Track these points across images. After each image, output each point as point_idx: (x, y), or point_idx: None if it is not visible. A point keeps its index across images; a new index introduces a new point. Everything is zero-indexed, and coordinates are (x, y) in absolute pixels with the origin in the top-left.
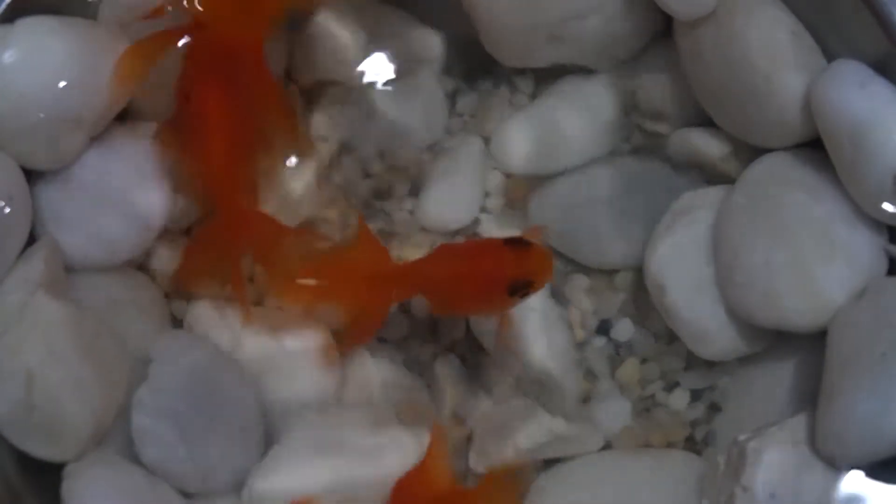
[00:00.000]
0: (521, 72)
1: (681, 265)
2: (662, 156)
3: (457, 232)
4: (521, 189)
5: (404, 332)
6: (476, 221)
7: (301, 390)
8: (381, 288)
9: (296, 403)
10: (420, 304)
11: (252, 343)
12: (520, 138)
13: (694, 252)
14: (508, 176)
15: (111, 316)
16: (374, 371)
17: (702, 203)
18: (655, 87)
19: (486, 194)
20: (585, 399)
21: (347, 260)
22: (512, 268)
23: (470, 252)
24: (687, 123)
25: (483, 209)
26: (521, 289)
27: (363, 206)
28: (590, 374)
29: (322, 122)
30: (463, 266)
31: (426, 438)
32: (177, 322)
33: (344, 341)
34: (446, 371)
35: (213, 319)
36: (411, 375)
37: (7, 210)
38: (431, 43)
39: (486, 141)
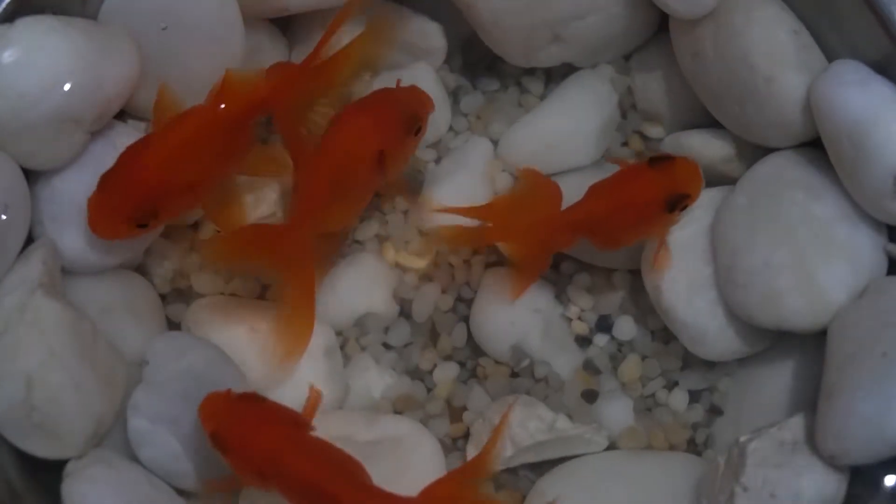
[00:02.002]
0: (531, 72)
1: (678, 266)
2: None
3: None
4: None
5: (406, 338)
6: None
7: (304, 399)
8: (548, 233)
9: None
10: (420, 308)
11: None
12: (529, 139)
13: (692, 252)
14: (517, 177)
15: (107, 318)
16: (375, 378)
17: (700, 203)
18: (652, 87)
19: (494, 194)
20: (590, 397)
21: (517, 207)
22: (665, 185)
23: (620, 183)
24: (683, 126)
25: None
26: (678, 202)
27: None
28: (592, 371)
29: (321, 121)
30: (619, 197)
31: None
32: (173, 325)
33: (513, 285)
34: (446, 375)
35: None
36: (412, 382)
37: (6, 211)
38: (432, 33)
39: (494, 143)
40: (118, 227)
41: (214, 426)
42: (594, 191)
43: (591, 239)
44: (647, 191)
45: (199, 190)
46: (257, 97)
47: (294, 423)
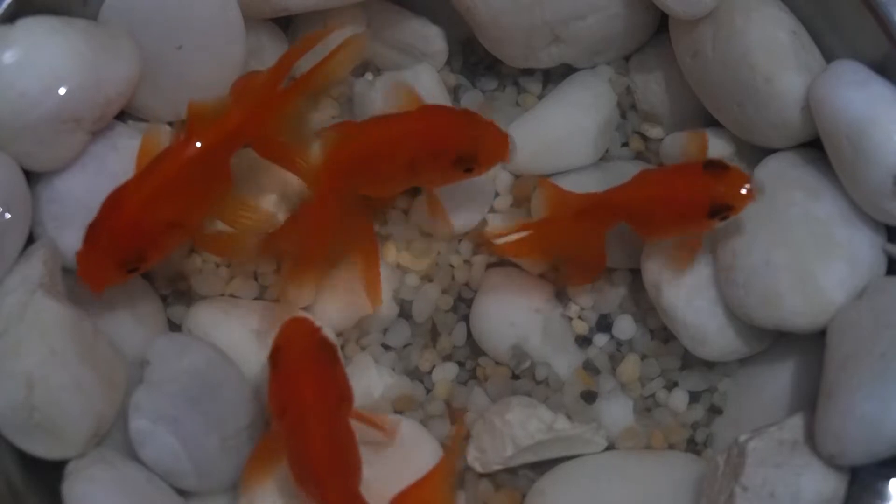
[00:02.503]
0: (530, 73)
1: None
2: (657, 160)
3: (464, 234)
4: (528, 188)
5: (405, 339)
6: (483, 223)
7: None
8: (590, 218)
9: None
10: (421, 308)
11: (257, 350)
12: (528, 139)
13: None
14: (518, 176)
15: (108, 318)
16: (375, 378)
17: None
18: (652, 87)
19: (496, 194)
20: (589, 397)
21: (552, 200)
22: (712, 192)
23: (670, 178)
24: (683, 126)
25: (491, 209)
26: (720, 212)
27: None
28: (592, 371)
29: (321, 120)
30: (664, 191)
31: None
32: (174, 326)
33: (572, 281)
34: (445, 376)
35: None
36: (412, 382)
37: (6, 213)
38: (433, 36)
39: None
40: (108, 276)
41: (281, 345)
42: (644, 176)
43: (630, 223)
44: (695, 192)
45: (185, 227)
46: (230, 126)
47: (339, 397)
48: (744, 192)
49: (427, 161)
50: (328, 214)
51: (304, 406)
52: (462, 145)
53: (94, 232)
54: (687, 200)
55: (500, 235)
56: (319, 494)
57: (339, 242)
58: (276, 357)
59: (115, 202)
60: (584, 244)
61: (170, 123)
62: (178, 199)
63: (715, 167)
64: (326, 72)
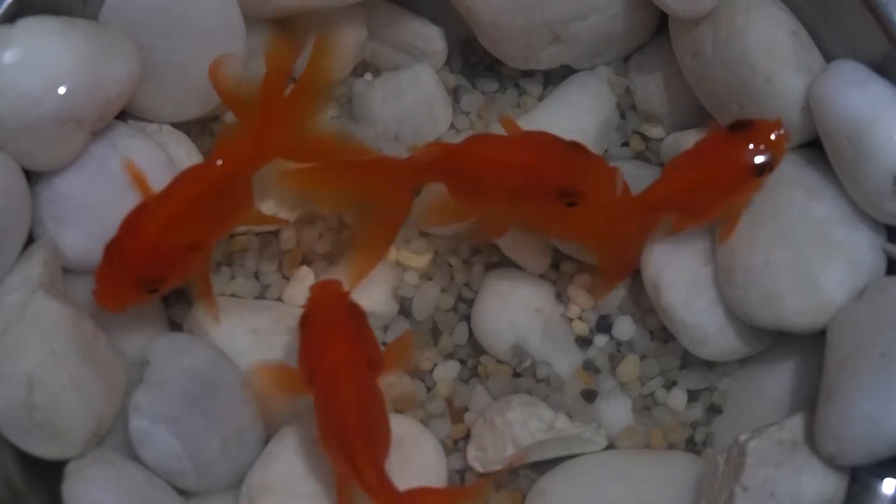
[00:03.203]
0: (530, 74)
1: (678, 265)
2: (658, 160)
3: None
4: None
5: None
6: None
7: (304, 398)
8: (632, 218)
9: (298, 409)
10: (420, 306)
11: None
12: None
13: (691, 252)
14: None
15: (107, 318)
16: None
17: None
18: (652, 87)
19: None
20: (589, 397)
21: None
22: (752, 152)
23: (703, 154)
24: (683, 126)
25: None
26: (766, 167)
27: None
28: (592, 371)
29: (321, 120)
30: (704, 169)
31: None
32: (175, 326)
33: (607, 281)
34: (446, 374)
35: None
36: (412, 381)
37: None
38: (432, 36)
39: None
40: (127, 297)
41: (310, 310)
42: (675, 166)
43: (677, 215)
44: (735, 158)
45: (204, 249)
46: (247, 146)
47: (368, 362)
48: (778, 138)
49: (529, 192)
50: (402, 205)
51: (332, 370)
52: (565, 180)
53: (114, 251)
54: (731, 170)
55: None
56: (346, 461)
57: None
58: (305, 321)
59: (136, 222)
60: (624, 246)
61: (172, 124)
62: (200, 221)
63: (741, 126)
64: (322, 67)
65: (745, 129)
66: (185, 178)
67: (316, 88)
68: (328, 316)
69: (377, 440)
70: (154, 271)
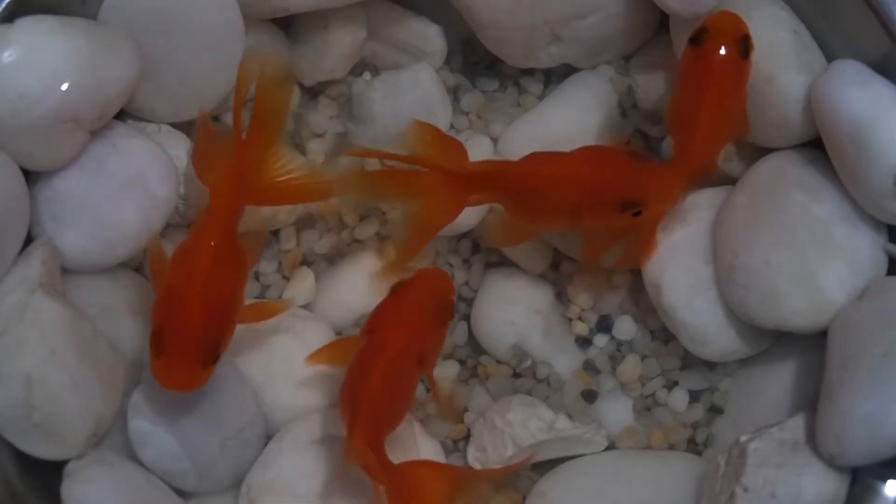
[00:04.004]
0: (530, 73)
1: (679, 265)
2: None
3: (463, 235)
4: None
5: None
6: (483, 222)
7: (304, 397)
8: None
9: (298, 409)
10: None
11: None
12: (528, 138)
13: (692, 252)
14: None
15: (107, 317)
16: None
17: (700, 203)
18: (653, 87)
19: None
20: (589, 397)
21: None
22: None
23: (694, 80)
24: None
25: (491, 208)
26: (748, 49)
27: (358, 203)
28: (592, 371)
29: (319, 120)
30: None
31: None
32: None
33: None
34: (446, 374)
35: None
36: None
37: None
38: (432, 36)
39: (494, 141)
40: (199, 375)
41: (409, 284)
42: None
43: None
44: (716, 65)
45: (238, 296)
46: (223, 204)
47: (421, 357)
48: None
49: (591, 207)
50: (448, 216)
51: (386, 339)
52: (628, 191)
53: (170, 340)
54: (722, 75)
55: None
56: (347, 422)
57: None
58: (398, 287)
59: (177, 306)
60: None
61: (172, 124)
62: (222, 280)
63: (699, 37)
64: (270, 100)
65: (703, 37)
66: (192, 253)
67: (272, 124)
68: (419, 299)
69: (383, 420)
70: (211, 344)
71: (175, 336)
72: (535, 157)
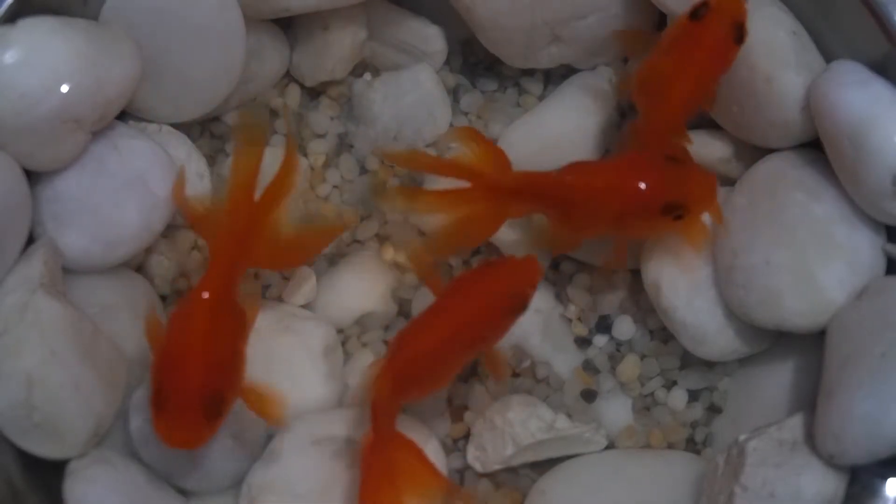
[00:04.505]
0: (530, 73)
1: (678, 265)
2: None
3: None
4: None
5: None
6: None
7: (304, 397)
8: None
9: (298, 409)
10: (420, 307)
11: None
12: (527, 139)
13: (692, 252)
14: None
15: (108, 317)
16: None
17: None
18: None
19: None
20: (589, 397)
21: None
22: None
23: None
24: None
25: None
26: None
27: (358, 203)
28: (592, 371)
29: (320, 120)
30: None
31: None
32: None
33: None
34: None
35: None
36: None
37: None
38: (432, 36)
39: (493, 141)
40: (203, 431)
41: (489, 269)
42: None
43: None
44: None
45: (238, 359)
46: (233, 262)
47: (474, 342)
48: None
49: (634, 213)
50: (491, 228)
51: (448, 310)
52: (672, 196)
53: (170, 397)
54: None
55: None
56: (388, 357)
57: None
58: (480, 267)
59: (176, 362)
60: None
61: (172, 125)
62: (221, 337)
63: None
64: (290, 174)
65: (704, 13)
66: (190, 311)
67: (283, 195)
68: (490, 287)
69: (420, 379)
70: (212, 399)
71: (174, 392)
72: (575, 167)
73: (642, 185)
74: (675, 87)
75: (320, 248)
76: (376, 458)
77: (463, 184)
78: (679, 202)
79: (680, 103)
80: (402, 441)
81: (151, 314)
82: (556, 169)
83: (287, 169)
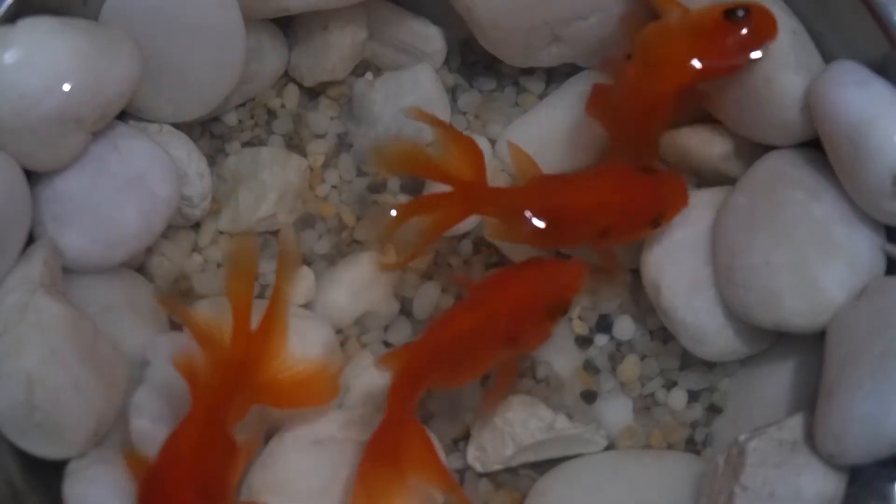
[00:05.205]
0: (530, 72)
1: (678, 265)
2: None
3: (463, 236)
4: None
5: (407, 336)
6: (482, 224)
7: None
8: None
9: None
10: (421, 306)
11: None
12: (527, 139)
13: (691, 252)
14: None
15: (108, 317)
16: (376, 376)
17: (699, 203)
18: None
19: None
20: (589, 397)
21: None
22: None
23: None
24: (682, 125)
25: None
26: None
27: (358, 202)
28: (592, 371)
29: (320, 120)
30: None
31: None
32: (175, 326)
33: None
34: None
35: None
36: None
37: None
38: (432, 36)
39: (492, 142)
40: None
41: (529, 269)
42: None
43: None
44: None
45: (226, 489)
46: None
47: (506, 338)
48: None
49: (620, 228)
50: (455, 222)
51: (478, 304)
52: (656, 208)
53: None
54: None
55: None
56: (420, 338)
57: None
58: (532, 263)
59: (158, 487)
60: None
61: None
62: (207, 465)
63: (735, 14)
64: (286, 293)
65: (743, 19)
66: (170, 444)
67: (284, 316)
68: (528, 284)
69: (445, 367)
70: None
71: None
72: (552, 184)
73: (629, 203)
74: (688, 60)
75: (332, 388)
76: (385, 435)
77: (443, 187)
78: (662, 213)
79: (689, 77)
80: (415, 427)
81: (129, 450)
82: (533, 182)
83: (279, 298)
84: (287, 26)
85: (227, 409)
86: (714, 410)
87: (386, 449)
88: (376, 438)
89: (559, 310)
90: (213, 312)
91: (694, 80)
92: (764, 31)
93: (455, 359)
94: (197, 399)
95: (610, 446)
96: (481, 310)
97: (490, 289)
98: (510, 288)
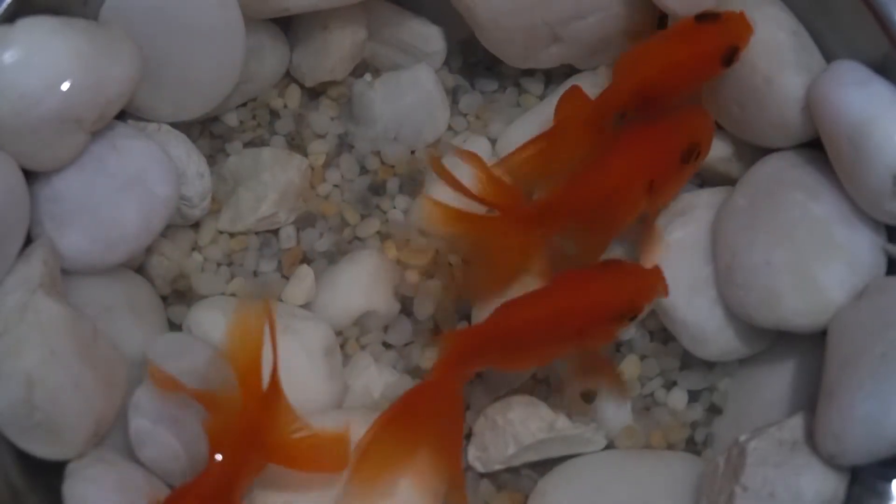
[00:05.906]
0: (531, 73)
1: (678, 265)
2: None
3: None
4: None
5: (407, 337)
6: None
7: (304, 398)
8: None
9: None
10: (422, 305)
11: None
12: (527, 139)
13: (691, 252)
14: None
15: (108, 318)
16: (375, 377)
17: (700, 204)
18: None
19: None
20: (589, 397)
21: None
22: (726, 38)
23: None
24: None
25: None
26: (733, 54)
27: (358, 202)
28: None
29: (321, 121)
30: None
31: None
32: (174, 327)
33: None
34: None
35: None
36: (413, 381)
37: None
38: (432, 36)
39: (492, 142)
40: None
41: (604, 270)
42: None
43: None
44: (707, 44)
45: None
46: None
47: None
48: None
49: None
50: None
51: (548, 296)
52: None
53: None
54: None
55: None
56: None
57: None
58: (610, 264)
59: None
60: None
61: (172, 124)
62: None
63: (707, 17)
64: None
65: (713, 18)
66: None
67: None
68: (605, 290)
69: (503, 350)
70: None
71: None
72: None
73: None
74: (663, 62)
75: (345, 456)
76: (420, 396)
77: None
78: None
79: (663, 81)
80: (455, 398)
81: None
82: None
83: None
84: (287, 26)
85: (241, 472)
86: (714, 410)
87: (416, 408)
88: (411, 394)
89: (629, 315)
90: (212, 312)
91: (664, 85)
92: (736, 33)
93: (515, 346)
94: (212, 461)
95: (610, 446)
96: (552, 304)
97: (567, 285)
98: (587, 287)
